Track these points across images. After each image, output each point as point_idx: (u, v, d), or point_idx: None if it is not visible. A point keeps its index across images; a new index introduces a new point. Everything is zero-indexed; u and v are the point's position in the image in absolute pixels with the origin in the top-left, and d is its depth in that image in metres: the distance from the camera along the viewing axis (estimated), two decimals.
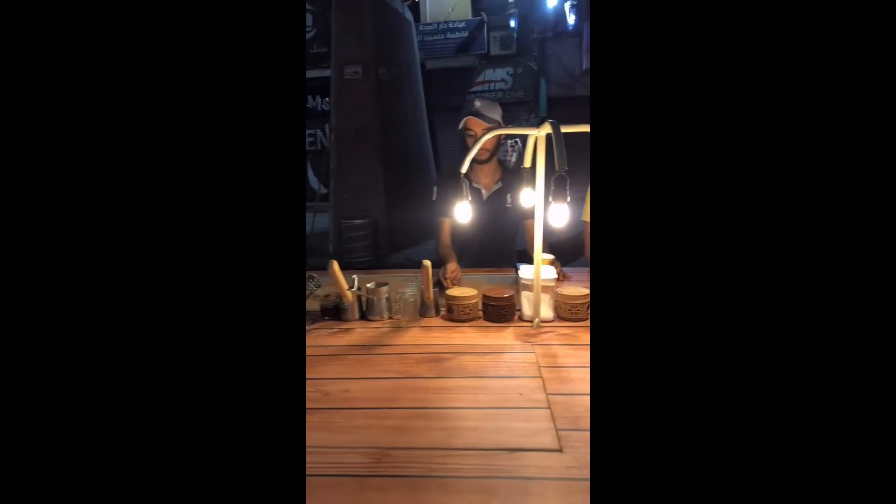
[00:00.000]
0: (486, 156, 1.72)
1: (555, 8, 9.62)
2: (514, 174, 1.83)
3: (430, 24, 10.48)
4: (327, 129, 11.08)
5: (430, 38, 10.37)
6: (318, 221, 5.82)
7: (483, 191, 1.78)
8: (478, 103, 1.70)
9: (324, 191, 10.48)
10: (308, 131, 11.36)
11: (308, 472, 0.68)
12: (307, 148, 11.40)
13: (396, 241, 5.02)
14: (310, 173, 11.52)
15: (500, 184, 1.80)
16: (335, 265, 1.26)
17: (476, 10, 10.49)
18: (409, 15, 6.10)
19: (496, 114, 1.70)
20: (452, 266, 1.58)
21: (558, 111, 9.92)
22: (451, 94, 10.28)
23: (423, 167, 6.08)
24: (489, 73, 10.50)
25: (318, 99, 10.98)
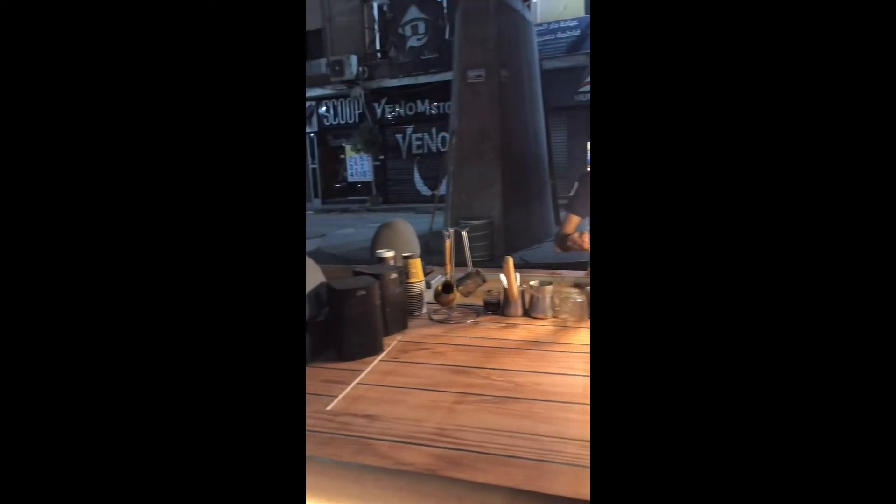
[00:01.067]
0: None
1: None
2: None
3: (542, 24, 10.37)
4: (434, 132, 11.49)
5: (542, 39, 10.25)
6: (436, 222, 6.00)
7: None
8: None
9: (428, 192, 10.82)
10: (416, 135, 11.81)
11: (527, 455, 0.72)
12: (415, 151, 11.85)
13: (512, 243, 5.04)
14: (416, 175, 11.96)
15: None
16: (510, 262, 1.30)
17: (589, 6, 10.18)
18: (528, 15, 6.08)
19: None
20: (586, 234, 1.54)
21: None
22: (561, 94, 10.07)
23: (539, 168, 6.03)
24: None
25: (427, 103, 11.36)
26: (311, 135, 12.73)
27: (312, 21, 12.52)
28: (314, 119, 12.57)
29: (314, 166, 13.00)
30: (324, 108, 12.52)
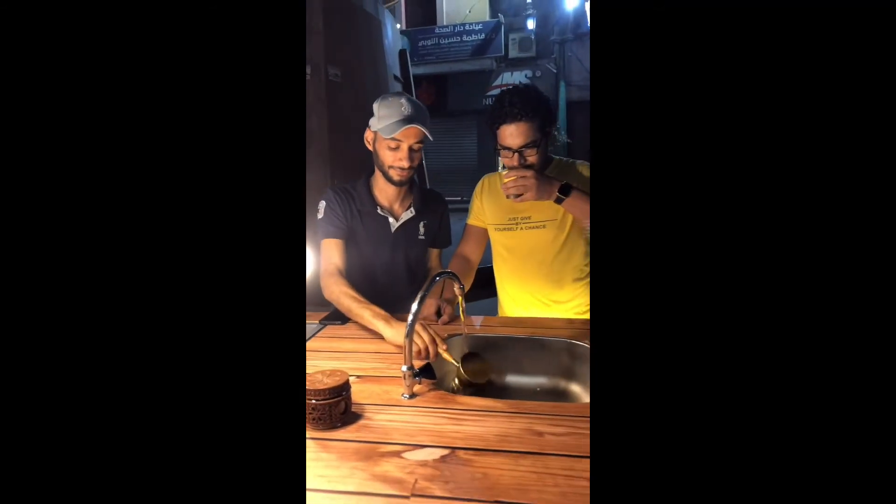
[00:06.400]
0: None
1: (575, 9, 9.34)
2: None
3: (447, 26, 10.46)
4: None
5: (447, 41, 10.34)
6: None
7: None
8: (410, 108, 1.22)
9: None
10: None
11: None
12: None
13: None
14: None
15: (412, 210, 1.37)
16: None
17: (494, 11, 10.43)
18: (383, 16, 5.86)
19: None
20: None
21: (579, 115, 9.76)
22: (468, 97, 10.23)
23: None
24: (507, 77, 10.39)
25: None
26: None
27: None
28: None
29: None
30: None
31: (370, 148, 1.30)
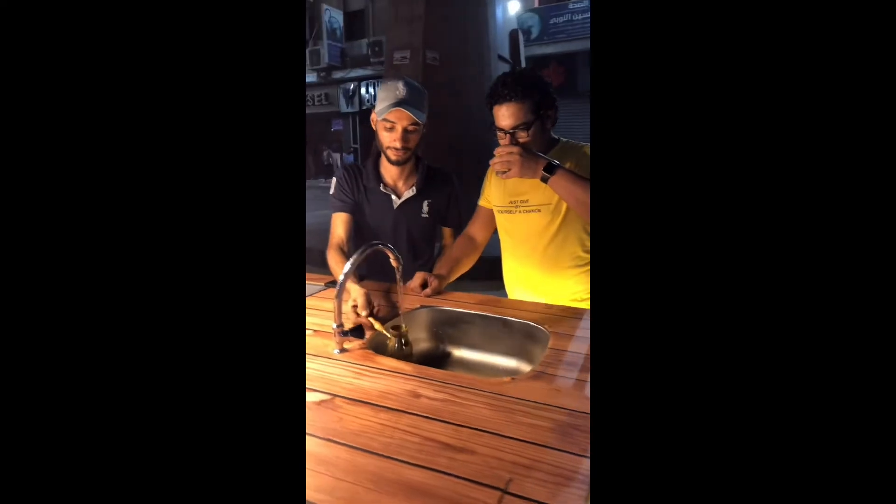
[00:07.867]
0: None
1: None
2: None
3: (581, 1, 9.92)
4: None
5: (580, 17, 9.83)
6: None
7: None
8: (405, 91, 1.30)
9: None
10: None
11: None
12: None
13: None
14: None
15: (414, 189, 1.46)
16: None
17: None
18: None
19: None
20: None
21: None
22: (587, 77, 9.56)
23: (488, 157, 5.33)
24: None
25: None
26: (355, 115, 13.16)
27: (356, 2, 12.80)
28: (356, 99, 12.93)
29: (356, 146, 13.41)
30: (364, 89, 12.81)
31: (374, 128, 1.40)
